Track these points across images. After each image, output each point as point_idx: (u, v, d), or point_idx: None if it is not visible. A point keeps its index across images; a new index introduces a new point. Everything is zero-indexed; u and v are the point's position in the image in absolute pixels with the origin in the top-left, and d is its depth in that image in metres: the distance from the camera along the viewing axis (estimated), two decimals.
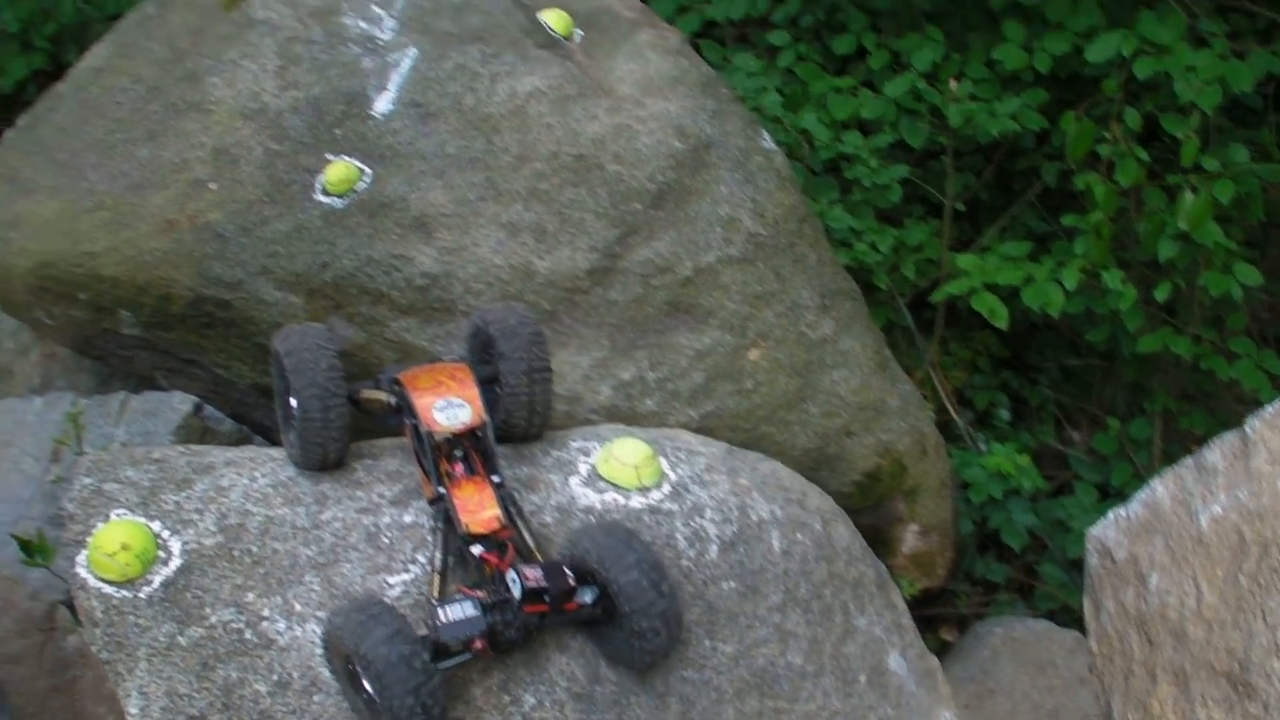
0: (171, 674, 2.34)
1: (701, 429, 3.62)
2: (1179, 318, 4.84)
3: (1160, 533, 2.40)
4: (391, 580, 2.44)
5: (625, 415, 3.51)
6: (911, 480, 4.05)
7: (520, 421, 2.69)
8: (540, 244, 3.66)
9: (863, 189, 4.98)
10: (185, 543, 2.46)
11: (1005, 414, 5.27)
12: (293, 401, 2.54)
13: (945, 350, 5.44)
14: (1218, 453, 2.35)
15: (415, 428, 2.50)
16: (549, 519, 2.56)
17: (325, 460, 2.58)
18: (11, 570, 3.29)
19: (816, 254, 3.90)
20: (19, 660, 3.11)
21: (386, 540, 2.48)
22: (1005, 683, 4.10)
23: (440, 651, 2.28)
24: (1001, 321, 4.59)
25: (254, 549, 2.46)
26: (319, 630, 2.39)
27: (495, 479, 2.48)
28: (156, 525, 2.48)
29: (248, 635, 2.38)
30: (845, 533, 2.83)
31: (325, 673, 2.36)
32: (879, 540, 4.14)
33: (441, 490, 2.44)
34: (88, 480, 2.56)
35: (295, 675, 2.36)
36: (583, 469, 2.67)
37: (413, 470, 2.61)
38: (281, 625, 2.39)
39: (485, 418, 2.49)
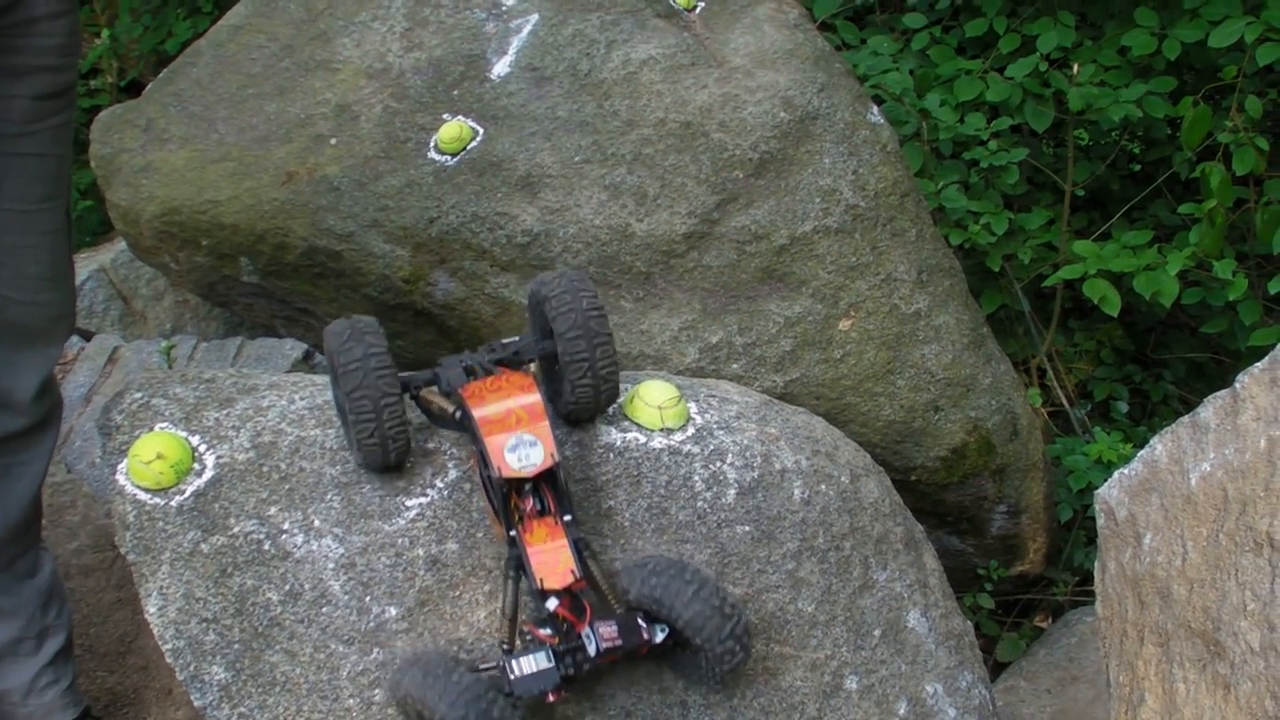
0: (191, 578, 2.44)
1: (786, 395, 3.65)
2: None
3: (1156, 491, 2.37)
4: (409, 503, 2.50)
5: (710, 377, 3.54)
6: (1000, 459, 4.01)
7: (587, 398, 2.57)
8: (640, 207, 3.71)
9: (981, 171, 4.97)
10: (219, 457, 2.55)
11: (1123, 406, 5.21)
12: (345, 404, 2.45)
13: (1070, 341, 5.39)
14: (1210, 410, 2.31)
15: (483, 461, 2.40)
16: (569, 453, 2.60)
17: (386, 462, 2.50)
18: (92, 488, 3.44)
19: (917, 229, 3.89)
20: (90, 573, 3.25)
21: (408, 464, 2.54)
22: (1089, 671, 4.05)
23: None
24: (1113, 308, 4.54)
25: (283, 466, 2.54)
26: (334, 545, 2.46)
27: (566, 517, 2.38)
28: (195, 439, 2.57)
29: (266, 546, 2.46)
30: (875, 489, 2.82)
31: (335, 586, 2.43)
32: (965, 518, 4.13)
33: (514, 534, 2.36)
34: (138, 394, 2.66)
35: (307, 587, 2.44)
36: (609, 408, 2.70)
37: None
38: (299, 539, 2.47)
39: (558, 458, 2.37)
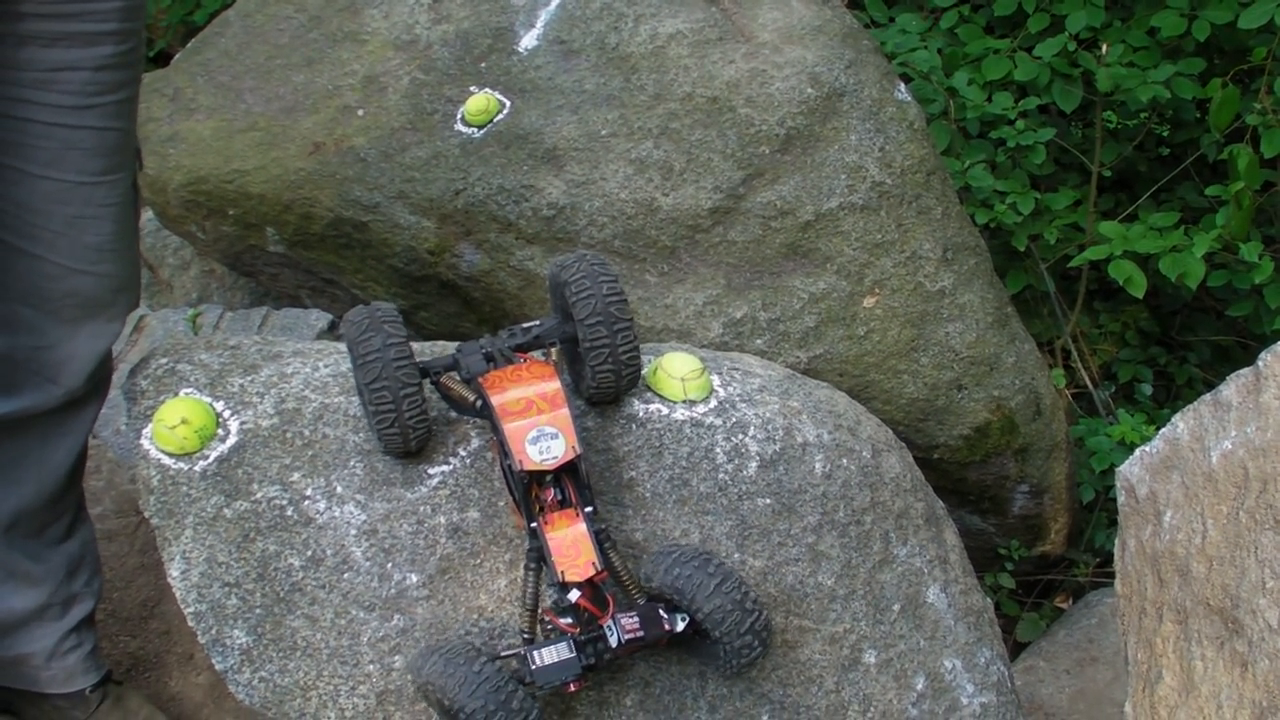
0: (214, 543, 2.45)
1: (809, 371, 3.65)
2: None
3: (1178, 469, 2.37)
4: (431, 471, 2.51)
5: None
6: (1022, 439, 4.01)
7: (608, 383, 2.56)
8: (666, 181, 3.72)
9: (1008, 150, 4.96)
10: (243, 423, 2.56)
11: (1148, 388, 5.20)
12: (365, 394, 2.44)
13: (1095, 322, 5.38)
14: (1233, 388, 2.31)
15: (503, 451, 2.38)
16: (590, 424, 2.61)
17: (407, 449, 2.50)
18: (117, 454, 3.46)
19: (942, 207, 3.89)
20: (113, 537, 3.26)
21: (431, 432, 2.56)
22: (1109, 652, 4.05)
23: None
24: (1138, 290, 4.53)
25: (306, 432, 2.55)
26: (356, 512, 2.48)
27: (588, 509, 2.37)
28: (219, 405, 2.58)
29: (289, 512, 2.48)
30: (897, 464, 2.82)
31: (356, 552, 2.45)
32: (987, 497, 4.13)
33: (534, 525, 2.35)
34: (163, 360, 2.68)
35: (329, 552, 2.45)
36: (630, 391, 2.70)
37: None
38: (322, 505, 2.48)
39: (579, 450, 2.35)
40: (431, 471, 2.52)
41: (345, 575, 2.45)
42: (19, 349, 2.68)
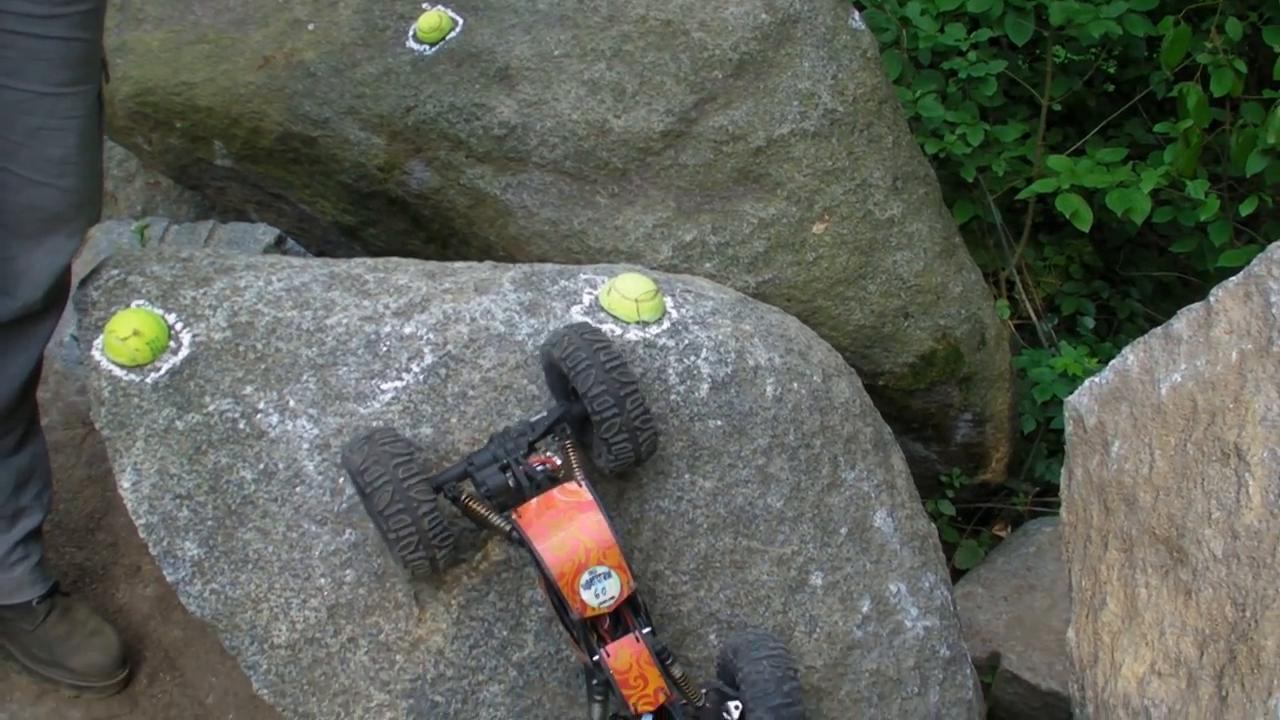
0: (165, 455, 2.45)
1: (758, 296, 3.66)
2: (1265, 234, 4.78)
3: (1126, 400, 2.40)
4: (384, 386, 2.51)
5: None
6: (967, 368, 4.04)
7: (626, 453, 2.46)
8: (618, 103, 3.70)
9: (959, 81, 4.97)
10: (195, 335, 2.55)
11: (1090, 321, 5.24)
12: (380, 524, 2.35)
13: (1040, 255, 5.42)
14: (1184, 322, 2.33)
15: (553, 592, 2.31)
16: (544, 340, 2.60)
17: (435, 569, 2.38)
18: (64, 365, 3.43)
19: (893, 136, 3.89)
20: (60, 449, 3.25)
21: (384, 348, 2.54)
22: (1046, 580, 4.11)
23: None
24: (1084, 224, 4.56)
25: (259, 346, 2.54)
26: (309, 426, 2.48)
27: (645, 630, 2.31)
28: (171, 317, 2.57)
29: (241, 425, 2.47)
30: (846, 389, 2.84)
31: (309, 466, 2.45)
32: (931, 425, 4.16)
33: (597, 659, 2.29)
34: (114, 271, 2.66)
35: (281, 466, 2.45)
36: (586, 299, 2.68)
37: (419, 286, 2.66)
38: (274, 419, 2.48)
39: (634, 584, 2.29)
40: (384, 387, 2.52)
41: (297, 489, 2.45)
42: None
